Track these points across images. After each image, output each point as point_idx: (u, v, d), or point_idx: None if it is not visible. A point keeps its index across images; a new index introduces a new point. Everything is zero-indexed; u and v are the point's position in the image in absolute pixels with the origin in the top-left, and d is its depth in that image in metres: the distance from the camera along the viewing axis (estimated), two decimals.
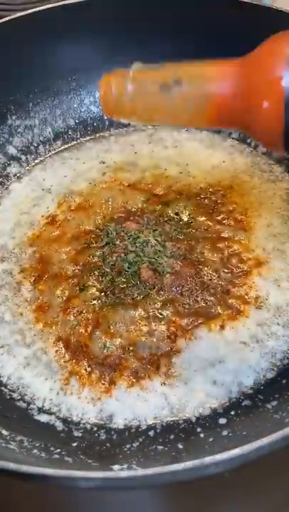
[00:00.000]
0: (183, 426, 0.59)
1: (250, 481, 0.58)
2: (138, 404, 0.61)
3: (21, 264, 0.75)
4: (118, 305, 0.68)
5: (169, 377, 0.62)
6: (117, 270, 0.71)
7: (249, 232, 0.75)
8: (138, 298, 0.68)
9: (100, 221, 0.78)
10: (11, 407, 0.62)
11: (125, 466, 0.51)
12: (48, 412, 0.61)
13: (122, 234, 0.75)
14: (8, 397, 0.63)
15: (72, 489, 0.58)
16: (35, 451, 0.53)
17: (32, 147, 0.91)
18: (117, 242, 0.74)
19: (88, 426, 0.60)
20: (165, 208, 0.79)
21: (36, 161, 0.90)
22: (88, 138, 0.94)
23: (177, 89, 0.51)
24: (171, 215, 0.78)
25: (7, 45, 0.84)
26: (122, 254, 0.72)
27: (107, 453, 0.56)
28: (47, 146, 0.92)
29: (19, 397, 0.63)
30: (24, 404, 0.62)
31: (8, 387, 0.64)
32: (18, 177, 0.88)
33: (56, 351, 0.66)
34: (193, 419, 0.59)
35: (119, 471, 0.46)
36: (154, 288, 0.69)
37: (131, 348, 0.64)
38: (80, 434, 0.59)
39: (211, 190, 0.81)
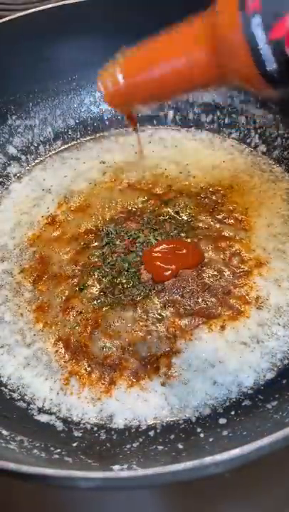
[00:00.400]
0: (183, 426, 0.59)
1: (250, 481, 0.58)
2: (138, 404, 0.61)
3: (21, 264, 0.75)
4: (118, 305, 0.68)
5: (169, 377, 0.62)
6: (117, 270, 0.71)
7: (249, 232, 0.75)
8: (138, 298, 0.68)
9: (99, 221, 0.78)
10: (11, 407, 0.62)
11: (125, 466, 0.51)
12: (48, 412, 0.61)
13: (122, 234, 0.75)
14: (8, 397, 0.63)
15: (72, 489, 0.58)
16: (35, 451, 0.53)
17: (32, 147, 0.91)
18: (117, 242, 0.74)
19: (88, 426, 0.60)
20: (165, 207, 0.79)
21: (36, 161, 0.91)
22: (88, 138, 0.94)
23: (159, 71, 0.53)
24: (172, 214, 0.78)
25: (7, 45, 0.84)
26: (122, 254, 0.72)
27: (107, 453, 0.56)
28: (47, 146, 0.92)
29: (19, 397, 0.63)
30: (24, 404, 0.62)
31: (8, 387, 0.64)
32: (18, 177, 0.88)
33: (56, 351, 0.66)
34: (194, 419, 0.59)
35: (119, 471, 0.46)
36: (154, 288, 0.69)
37: (131, 348, 0.64)
38: (80, 434, 0.59)
39: (211, 190, 0.81)
